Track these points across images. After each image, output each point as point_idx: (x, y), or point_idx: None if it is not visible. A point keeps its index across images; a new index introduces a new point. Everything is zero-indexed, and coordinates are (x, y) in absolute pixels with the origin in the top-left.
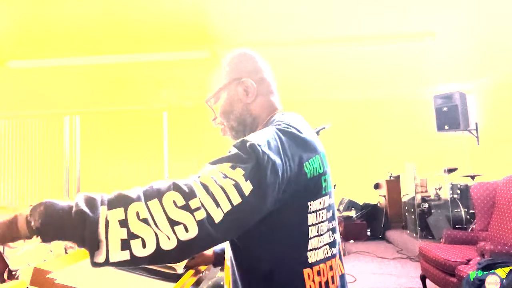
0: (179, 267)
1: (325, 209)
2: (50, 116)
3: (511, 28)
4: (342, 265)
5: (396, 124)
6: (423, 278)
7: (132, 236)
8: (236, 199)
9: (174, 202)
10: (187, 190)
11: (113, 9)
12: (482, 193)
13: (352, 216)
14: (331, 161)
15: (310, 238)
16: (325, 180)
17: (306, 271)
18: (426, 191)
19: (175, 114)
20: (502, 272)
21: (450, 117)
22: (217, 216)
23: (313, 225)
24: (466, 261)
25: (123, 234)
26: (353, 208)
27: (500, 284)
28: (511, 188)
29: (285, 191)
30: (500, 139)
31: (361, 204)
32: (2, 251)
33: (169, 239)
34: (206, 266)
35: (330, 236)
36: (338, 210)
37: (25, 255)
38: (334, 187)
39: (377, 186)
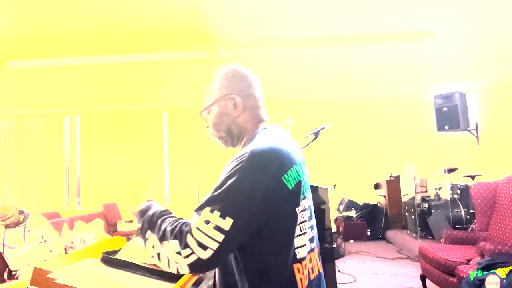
0: None
1: (305, 210)
2: (50, 116)
3: (511, 28)
4: (319, 257)
5: (396, 124)
6: (423, 278)
7: (153, 257)
8: (220, 237)
9: (173, 249)
10: (182, 241)
11: (113, 9)
12: (482, 193)
13: (352, 216)
14: (331, 161)
15: (296, 237)
16: (302, 186)
17: (296, 266)
18: (426, 191)
19: (175, 114)
20: (502, 272)
21: (450, 117)
22: (205, 255)
23: (297, 225)
24: (466, 261)
25: (151, 253)
26: (353, 208)
27: (500, 284)
28: (511, 188)
29: (269, 206)
30: (500, 139)
31: (361, 204)
32: (2, 251)
33: (170, 268)
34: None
35: (309, 233)
36: (338, 210)
37: (25, 255)
38: (334, 187)
39: (377, 186)
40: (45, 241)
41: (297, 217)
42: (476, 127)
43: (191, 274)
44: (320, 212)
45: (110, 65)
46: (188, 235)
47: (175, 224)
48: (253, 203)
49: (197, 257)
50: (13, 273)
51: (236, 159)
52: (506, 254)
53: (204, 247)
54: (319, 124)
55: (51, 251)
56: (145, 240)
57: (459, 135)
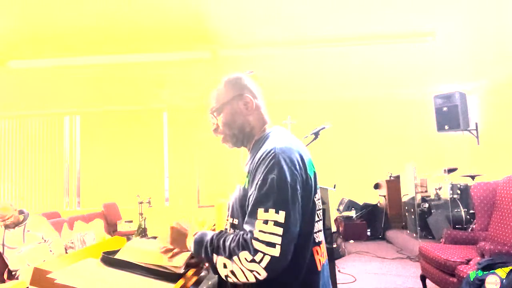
0: (179, 267)
1: (319, 199)
2: (50, 116)
3: (511, 28)
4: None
5: (396, 124)
6: (423, 278)
7: (228, 276)
8: (280, 231)
9: (246, 259)
10: (251, 249)
11: (113, 9)
12: (482, 193)
13: (352, 216)
14: (331, 161)
15: (315, 222)
16: (316, 177)
17: (315, 248)
18: (426, 191)
19: (175, 114)
20: (502, 272)
21: (450, 117)
22: (276, 252)
23: (315, 212)
24: (466, 261)
25: (224, 272)
26: (353, 208)
27: (500, 284)
28: (511, 188)
29: (303, 193)
30: (500, 139)
31: (361, 204)
32: (1, 252)
33: (248, 280)
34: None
35: (321, 220)
36: (338, 210)
37: (25, 255)
38: (334, 187)
39: (377, 186)
40: (45, 241)
41: (315, 205)
42: (476, 127)
43: (267, 275)
44: None
45: (110, 65)
46: (253, 241)
47: (237, 237)
48: (295, 192)
49: (270, 257)
50: (13, 273)
51: (265, 157)
52: (506, 254)
53: (273, 245)
54: (319, 124)
55: (51, 251)
56: (214, 264)
57: (459, 135)
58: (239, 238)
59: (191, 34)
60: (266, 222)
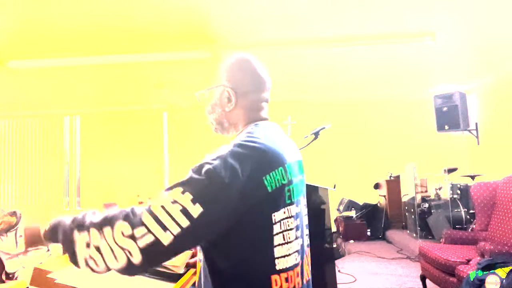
0: (180, 267)
1: (292, 218)
2: (50, 116)
3: (511, 27)
4: (309, 270)
5: (396, 124)
6: (423, 278)
7: (90, 257)
8: (184, 222)
9: (122, 232)
10: (134, 221)
11: (113, 9)
12: (482, 193)
13: (352, 216)
14: (331, 161)
15: (276, 246)
16: (289, 190)
17: (274, 277)
18: (426, 191)
19: (175, 114)
20: (502, 272)
21: (450, 117)
22: (164, 238)
23: (277, 234)
24: (466, 261)
25: (85, 254)
26: (353, 208)
27: (500, 284)
28: (511, 188)
29: (243, 205)
30: (500, 139)
31: (361, 204)
32: None
33: (117, 261)
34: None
35: (296, 244)
36: (338, 210)
37: (21, 260)
38: (334, 187)
39: (377, 186)
40: None
41: (272, 224)
42: (476, 127)
43: (143, 266)
44: (320, 212)
45: (110, 65)
46: (145, 212)
47: (121, 209)
48: (227, 199)
49: (153, 238)
50: (10, 275)
51: (221, 149)
52: (506, 254)
53: (164, 228)
54: (319, 124)
55: (48, 250)
56: (74, 245)
57: (459, 135)
58: (123, 210)
59: (191, 34)
60: (174, 202)
